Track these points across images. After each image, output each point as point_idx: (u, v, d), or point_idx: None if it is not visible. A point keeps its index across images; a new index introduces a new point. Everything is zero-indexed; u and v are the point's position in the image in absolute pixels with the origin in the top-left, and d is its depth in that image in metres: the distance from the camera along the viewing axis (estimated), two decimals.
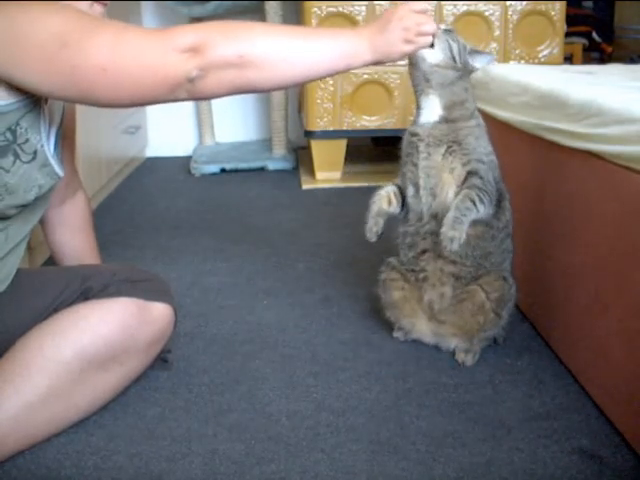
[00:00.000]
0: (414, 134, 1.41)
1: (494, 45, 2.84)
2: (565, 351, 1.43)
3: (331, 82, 2.82)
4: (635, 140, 1.14)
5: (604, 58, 4.00)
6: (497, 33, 2.83)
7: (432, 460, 1.14)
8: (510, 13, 2.82)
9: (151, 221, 2.50)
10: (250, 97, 3.66)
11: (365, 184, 2.88)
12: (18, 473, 1.12)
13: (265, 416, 1.27)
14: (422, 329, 1.48)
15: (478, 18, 2.81)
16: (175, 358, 1.44)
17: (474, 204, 1.34)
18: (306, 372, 1.42)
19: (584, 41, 3.87)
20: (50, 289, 1.29)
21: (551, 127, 1.43)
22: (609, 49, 4.03)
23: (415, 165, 1.41)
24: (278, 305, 1.75)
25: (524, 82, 1.64)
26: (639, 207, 1.13)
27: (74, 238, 1.55)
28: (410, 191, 1.43)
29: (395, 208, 1.45)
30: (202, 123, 3.54)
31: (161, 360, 1.38)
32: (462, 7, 2.79)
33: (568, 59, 3.58)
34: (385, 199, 1.44)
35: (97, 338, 1.20)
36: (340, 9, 2.76)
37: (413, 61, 1.36)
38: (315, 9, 2.76)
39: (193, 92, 1.14)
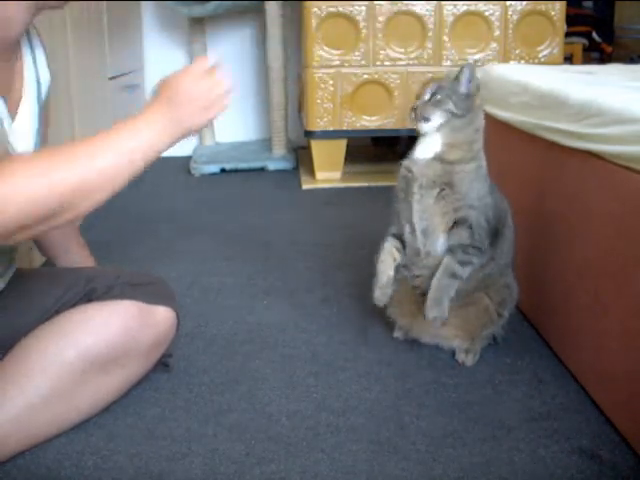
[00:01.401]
0: (409, 170, 1.39)
1: (494, 45, 2.84)
2: (565, 351, 1.43)
3: (331, 82, 2.82)
4: (635, 140, 1.14)
5: (604, 58, 4.00)
6: (497, 33, 2.83)
7: (432, 460, 1.14)
8: (510, 13, 2.82)
9: (151, 221, 2.50)
10: (250, 97, 3.66)
11: (365, 184, 2.89)
12: (18, 473, 1.12)
13: (265, 416, 1.27)
14: (422, 329, 1.48)
15: (478, 18, 2.82)
16: (175, 358, 1.44)
17: (454, 276, 1.36)
18: (306, 372, 1.42)
19: (584, 41, 3.87)
20: (53, 290, 1.29)
21: (551, 127, 1.43)
22: (609, 49, 4.03)
23: (409, 204, 1.38)
24: (278, 305, 1.75)
25: (524, 82, 1.64)
26: (639, 207, 1.13)
27: (64, 237, 1.52)
28: (406, 228, 1.40)
29: (399, 261, 1.44)
30: None
31: (162, 364, 1.38)
32: (462, 7, 2.79)
33: (568, 59, 3.58)
34: (390, 264, 1.43)
35: (100, 340, 1.20)
36: (340, 9, 2.77)
37: (418, 128, 1.37)
38: (315, 9, 2.76)
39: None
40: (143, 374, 1.32)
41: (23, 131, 1.21)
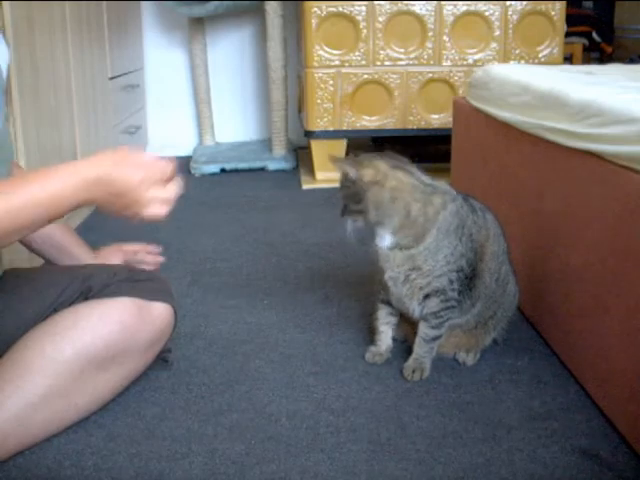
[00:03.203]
0: (377, 258, 1.37)
1: (494, 45, 2.84)
2: (565, 351, 1.43)
3: (331, 82, 2.82)
4: (635, 140, 1.14)
5: (604, 58, 4.01)
6: (497, 33, 2.83)
7: (432, 460, 1.14)
8: (510, 13, 2.82)
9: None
10: (250, 97, 3.66)
11: None
12: (18, 473, 1.12)
13: (265, 416, 1.27)
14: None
15: (478, 18, 2.82)
16: (175, 358, 1.44)
17: (433, 340, 1.37)
18: (306, 372, 1.42)
19: (584, 41, 3.87)
20: (51, 289, 1.29)
21: (551, 127, 1.43)
22: (609, 49, 4.03)
23: (387, 287, 1.39)
24: (278, 305, 1.75)
25: (524, 82, 1.64)
26: (639, 207, 1.13)
27: (63, 237, 1.50)
28: (392, 299, 1.42)
29: (394, 321, 1.46)
30: (202, 123, 3.54)
31: (161, 360, 1.38)
32: (462, 7, 2.79)
33: (568, 59, 3.58)
34: (388, 332, 1.45)
35: (97, 338, 1.20)
36: (340, 9, 2.77)
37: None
38: (315, 9, 2.76)
39: None
40: (142, 371, 1.32)
41: None
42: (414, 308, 1.38)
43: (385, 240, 1.33)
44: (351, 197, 1.31)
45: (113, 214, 1.09)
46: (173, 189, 1.09)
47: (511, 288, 1.43)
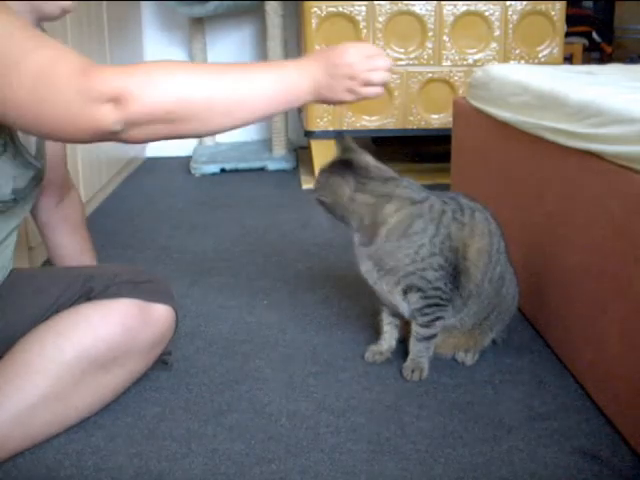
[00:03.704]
0: (354, 255, 1.41)
1: (494, 45, 2.84)
2: (565, 351, 1.43)
3: None
4: (635, 140, 1.14)
5: (604, 58, 4.00)
6: (497, 33, 2.83)
7: (432, 460, 1.14)
8: (510, 13, 2.82)
9: (151, 221, 2.50)
10: None
11: None
12: (18, 473, 1.12)
13: (265, 416, 1.27)
14: None
15: (478, 18, 2.81)
16: (175, 358, 1.44)
17: (426, 339, 1.38)
18: (306, 372, 1.42)
19: (584, 41, 3.87)
20: (52, 290, 1.29)
21: (551, 127, 1.43)
22: (609, 49, 4.03)
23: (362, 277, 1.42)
24: (278, 305, 1.75)
25: (524, 82, 1.64)
26: (639, 207, 1.13)
27: (72, 238, 1.55)
28: (381, 300, 1.44)
29: (398, 322, 1.46)
30: None
31: (161, 362, 1.38)
32: (462, 7, 2.79)
33: (568, 59, 3.58)
34: (392, 333, 1.46)
35: (98, 339, 1.20)
36: (340, 9, 2.76)
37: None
38: (315, 9, 2.76)
39: (118, 140, 1.06)
40: (142, 372, 1.32)
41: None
42: (399, 304, 1.39)
43: (354, 236, 1.39)
44: (323, 190, 1.37)
45: (334, 100, 1.15)
46: (386, 74, 1.16)
47: (509, 290, 1.42)
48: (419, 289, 1.34)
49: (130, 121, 1.01)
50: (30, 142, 1.24)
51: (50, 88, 0.99)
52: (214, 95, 1.06)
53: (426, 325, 1.37)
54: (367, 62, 1.14)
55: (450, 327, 1.40)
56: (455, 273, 1.35)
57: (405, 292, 1.36)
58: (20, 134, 1.19)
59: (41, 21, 1.24)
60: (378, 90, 1.17)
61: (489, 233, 1.38)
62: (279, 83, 1.11)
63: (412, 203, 1.35)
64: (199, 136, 1.10)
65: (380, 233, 1.34)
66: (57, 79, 1.00)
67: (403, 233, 1.33)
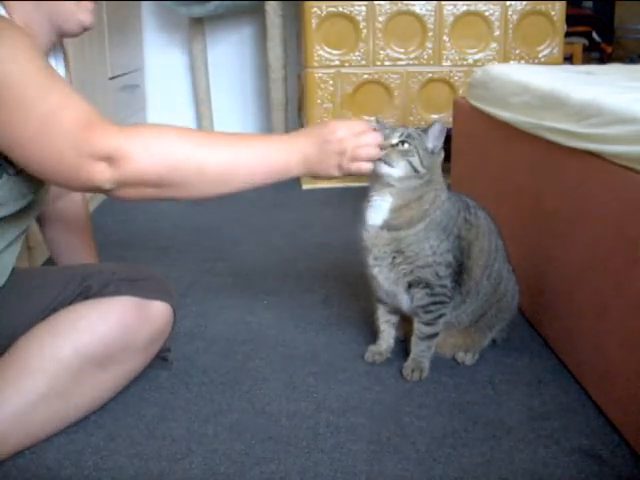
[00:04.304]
0: (362, 239, 1.37)
1: (494, 45, 2.84)
2: (565, 351, 1.43)
3: (331, 82, 2.82)
4: (635, 140, 1.14)
5: (604, 58, 4.01)
6: (497, 33, 2.83)
7: (432, 460, 1.14)
8: (510, 13, 2.82)
9: (151, 221, 2.50)
10: (250, 97, 3.66)
11: (365, 184, 2.88)
12: (18, 473, 1.12)
13: (265, 416, 1.27)
14: None
15: (478, 18, 2.82)
16: (175, 358, 1.44)
17: (429, 338, 1.38)
18: (306, 372, 1.42)
19: (584, 41, 3.87)
20: (49, 289, 1.29)
21: (551, 127, 1.43)
22: (609, 49, 4.03)
23: (372, 275, 1.39)
24: (278, 305, 1.75)
25: (524, 82, 1.64)
26: (639, 207, 1.13)
27: (70, 235, 1.55)
28: (380, 292, 1.42)
29: (395, 320, 1.46)
30: (202, 123, 3.54)
31: (161, 359, 1.38)
32: (462, 7, 2.79)
33: (568, 59, 3.58)
34: (390, 332, 1.46)
35: (96, 337, 1.20)
36: (340, 9, 2.77)
37: (374, 174, 1.29)
38: (315, 9, 2.76)
39: (110, 197, 1.12)
40: (141, 370, 1.32)
41: None
42: (402, 298, 1.38)
43: (377, 218, 1.34)
44: (420, 149, 1.30)
45: (323, 175, 1.19)
46: (374, 150, 1.21)
47: (507, 287, 1.43)
48: (427, 284, 1.33)
49: (121, 182, 1.06)
50: None
51: (52, 135, 1.04)
52: (206, 166, 1.10)
53: (430, 323, 1.37)
54: (357, 139, 1.18)
55: (447, 324, 1.40)
56: (459, 271, 1.36)
57: (410, 286, 1.35)
58: None
59: (62, 38, 1.26)
60: (366, 167, 1.20)
61: (489, 231, 1.39)
62: (270, 157, 1.15)
63: (447, 198, 1.36)
64: (189, 199, 1.16)
65: (423, 220, 1.31)
66: (60, 127, 1.04)
67: (437, 225, 1.32)
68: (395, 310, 1.44)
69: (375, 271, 1.37)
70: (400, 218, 1.32)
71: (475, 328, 1.42)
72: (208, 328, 1.62)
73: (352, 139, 1.18)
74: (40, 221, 1.54)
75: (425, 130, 1.32)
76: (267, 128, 3.58)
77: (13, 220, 1.24)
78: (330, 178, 1.20)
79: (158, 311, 1.28)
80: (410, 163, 1.28)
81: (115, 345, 1.22)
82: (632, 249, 1.14)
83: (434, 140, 1.31)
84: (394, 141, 1.28)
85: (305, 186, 2.93)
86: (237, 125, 3.66)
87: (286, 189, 2.91)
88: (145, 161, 1.05)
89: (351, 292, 1.79)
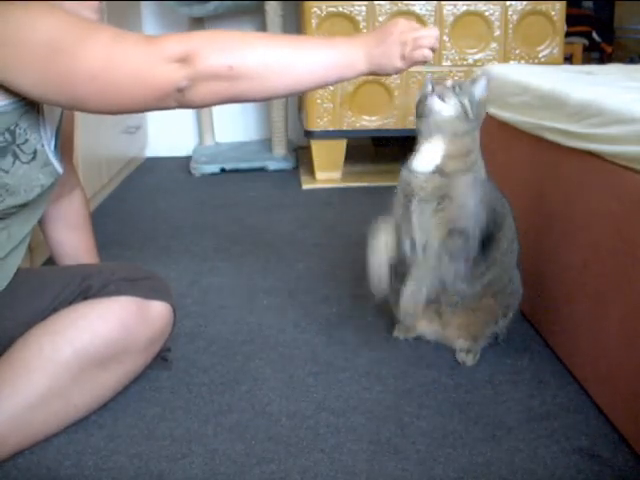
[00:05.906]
0: (407, 183, 1.36)
1: (494, 45, 2.84)
2: (565, 351, 1.43)
3: None
4: (635, 140, 1.14)
5: (604, 58, 4.00)
6: (497, 33, 2.83)
7: (432, 460, 1.14)
8: (510, 13, 2.82)
9: (151, 221, 2.50)
10: None
11: (365, 184, 2.89)
12: (18, 473, 1.12)
13: (265, 416, 1.27)
14: (424, 329, 1.49)
15: (478, 18, 2.82)
16: (175, 358, 1.44)
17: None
18: (306, 372, 1.42)
19: (584, 41, 3.87)
20: (49, 289, 1.29)
21: (551, 127, 1.43)
22: (609, 49, 4.03)
23: (409, 219, 1.37)
24: (278, 305, 1.75)
25: (524, 82, 1.63)
26: (639, 207, 1.13)
27: (71, 235, 1.55)
28: (406, 245, 1.39)
29: (392, 256, 1.44)
30: (202, 123, 3.54)
31: (161, 359, 1.38)
32: (462, 7, 2.79)
33: (568, 59, 3.58)
34: (383, 249, 1.43)
35: (96, 337, 1.20)
36: (340, 9, 2.77)
37: (425, 113, 1.32)
38: (315, 9, 2.76)
39: (182, 101, 1.15)
40: (141, 370, 1.32)
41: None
42: (433, 250, 1.36)
43: (428, 164, 1.34)
44: (468, 96, 1.34)
45: (388, 68, 1.21)
46: (434, 40, 1.22)
47: (514, 280, 1.45)
48: (466, 235, 1.34)
49: (196, 77, 1.11)
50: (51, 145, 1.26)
51: (122, 58, 1.11)
52: (276, 59, 1.16)
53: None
54: (416, 31, 1.22)
55: (463, 296, 1.40)
56: (487, 241, 1.38)
57: (451, 233, 1.34)
58: (46, 140, 1.22)
59: None
60: (429, 53, 1.22)
61: (510, 210, 1.45)
62: (334, 51, 1.20)
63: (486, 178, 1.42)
64: (255, 100, 1.24)
65: (471, 172, 1.35)
66: (126, 49, 1.11)
67: (480, 187, 1.36)
68: (393, 246, 1.42)
69: (415, 216, 1.36)
70: (450, 166, 1.34)
71: (480, 311, 1.42)
72: (208, 328, 1.62)
73: (412, 31, 1.21)
74: (41, 221, 1.54)
75: (473, 81, 1.37)
76: (267, 128, 3.58)
77: (21, 219, 1.24)
78: (394, 73, 1.23)
79: (158, 311, 1.28)
80: (462, 104, 1.32)
81: (115, 345, 1.22)
82: (632, 249, 1.14)
83: (481, 91, 1.36)
84: (448, 83, 1.33)
85: (305, 186, 2.93)
86: (237, 125, 3.66)
87: (286, 189, 2.92)
88: (214, 54, 1.13)
89: (351, 292, 1.79)
